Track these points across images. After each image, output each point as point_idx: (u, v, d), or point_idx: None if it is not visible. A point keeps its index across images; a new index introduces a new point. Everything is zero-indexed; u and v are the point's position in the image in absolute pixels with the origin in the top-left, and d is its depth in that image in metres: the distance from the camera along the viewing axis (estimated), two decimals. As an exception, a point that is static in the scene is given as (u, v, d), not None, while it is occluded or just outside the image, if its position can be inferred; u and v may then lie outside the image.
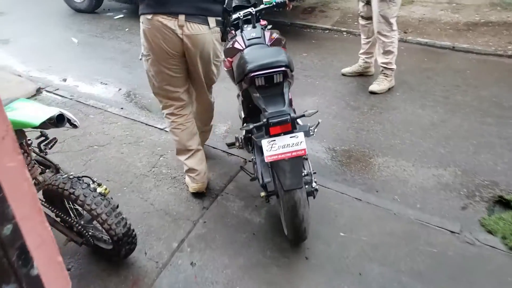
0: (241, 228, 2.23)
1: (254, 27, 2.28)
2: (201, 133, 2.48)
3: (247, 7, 2.31)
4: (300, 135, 1.66)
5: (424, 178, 2.64)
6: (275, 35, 2.29)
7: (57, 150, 2.84)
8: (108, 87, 4.09)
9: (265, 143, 1.65)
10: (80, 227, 1.81)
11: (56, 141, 1.84)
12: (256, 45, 2.14)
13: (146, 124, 3.25)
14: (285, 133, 1.67)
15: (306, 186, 1.78)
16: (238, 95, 2.26)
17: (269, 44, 2.19)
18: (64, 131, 2.77)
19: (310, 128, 1.75)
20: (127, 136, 3.11)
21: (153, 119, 3.35)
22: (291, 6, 2.41)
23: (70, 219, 1.80)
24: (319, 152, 2.93)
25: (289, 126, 1.66)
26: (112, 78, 4.23)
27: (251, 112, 2.10)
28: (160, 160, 2.82)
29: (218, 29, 1.96)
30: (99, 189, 1.72)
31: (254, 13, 2.28)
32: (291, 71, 1.84)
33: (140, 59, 2.12)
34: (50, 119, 1.49)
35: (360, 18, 3.83)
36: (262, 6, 2.34)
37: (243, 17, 2.25)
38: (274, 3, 2.36)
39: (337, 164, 2.81)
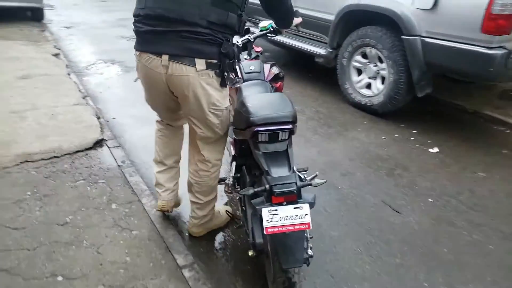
0: None
1: (249, 54, 2.35)
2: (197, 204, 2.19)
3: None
4: (305, 207, 1.54)
5: None
6: (275, 69, 2.36)
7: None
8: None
9: (265, 212, 1.52)
10: None
11: None
12: (256, 84, 2.14)
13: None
14: (289, 203, 1.54)
15: None
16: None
17: (267, 80, 2.24)
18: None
19: (314, 181, 1.64)
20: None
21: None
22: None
23: None
24: None
25: (294, 197, 1.55)
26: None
27: (242, 152, 2.02)
28: None
29: (210, 72, 1.74)
30: None
31: (252, 40, 2.34)
32: (296, 123, 1.72)
33: (135, 81, 2.06)
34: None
35: None
36: (258, 33, 2.40)
37: (241, 44, 2.27)
38: (272, 28, 2.38)
39: None
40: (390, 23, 3.58)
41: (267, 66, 2.30)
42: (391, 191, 2.83)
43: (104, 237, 2.20)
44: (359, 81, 4.10)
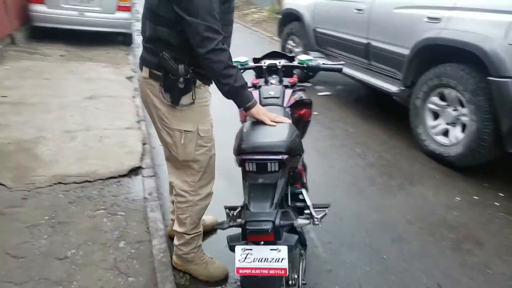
0: None
1: (280, 81, 2.19)
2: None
3: (288, 58, 2.30)
4: (283, 249, 1.40)
5: None
6: (298, 95, 2.14)
7: None
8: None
9: (238, 250, 1.41)
10: None
11: None
12: (271, 110, 1.87)
13: None
14: (266, 243, 1.40)
15: None
16: None
17: (287, 106, 2.05)
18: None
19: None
20: None
21: None
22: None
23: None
24: None
25: (271, 236, 1.38)
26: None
27: None
28: None
29: (153, 83, 1.74)
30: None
31: (280, 67, 2.19)
32: (295, 155, 1.64)
33: None
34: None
35: None
36: (289, 63, 2.24)
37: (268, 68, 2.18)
38: (306, 65, 2.21)
39: None
40: (474, 61, 3.00)
41: (288, 92, 2.15)
42: (453, 272, 2.24)
43: (97, 280, 2.03)
44: (435, 126, 3.51)
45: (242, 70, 2.38)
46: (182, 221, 2.00)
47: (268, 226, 1.37)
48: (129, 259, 2.21)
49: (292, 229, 1.81)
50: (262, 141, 1.59)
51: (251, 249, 1.40)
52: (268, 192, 1.52)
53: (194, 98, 1.72)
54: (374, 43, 4.17)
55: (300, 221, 1.44)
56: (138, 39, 8.59)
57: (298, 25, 5.53)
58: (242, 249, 1.41)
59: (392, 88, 3.95)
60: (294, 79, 2.32)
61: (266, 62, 2.22)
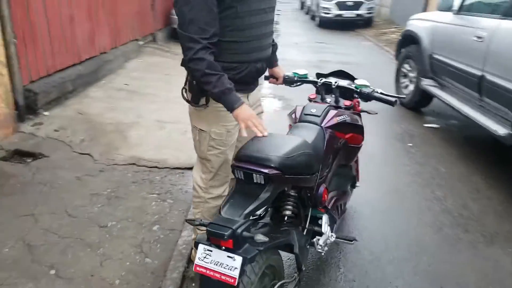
0: None
1: (336, 102, 2.28)
2: None
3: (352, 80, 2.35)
4: (238, 260, 1.40)
5: None
6: (343, 118, 2.15)
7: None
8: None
9: (201, 248, 1.46)
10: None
11: None
12: (305, 127, 2.05)
13: None
14: (227, 249, 1.42)
15: None
16: None
17: (324, 126, 2.06)
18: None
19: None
20: None
21: None
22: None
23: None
24: None
25: (230, 243, 1.41)
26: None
27: None
28: None
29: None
30: None
31: (334, 86, 2.27)
32: (297, 174, 1.67)
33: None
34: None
35: None
36: (347, 85, 2.28)
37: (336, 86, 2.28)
38: (359, 90, 2.26)
39: None
40: None
41: (332, 113, 2.14)
42: None
43: (119, 252, 2.28)
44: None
45: (299, 83, 2.40)
46: (195, 216, 2.11)
47: (226, 232, 1.39)
48: (155, 242, 2.41)
49: (290, 249, 1.77)
50: (256, 152, 1.61)
51: (211, 251, 1.45)
52: (245, 202, 1.53)
53: (207, 101, 1.82)
54: (489, 77, 3.64)
55: (259, 237, 1.41)
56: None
57: (415, 49, 5.17)
58: (204, 248, 1.47)
59: (500, 130, 3.39)
60: (351, 102, 2.31)
61: (321, 80, 2.30)
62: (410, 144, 4.27)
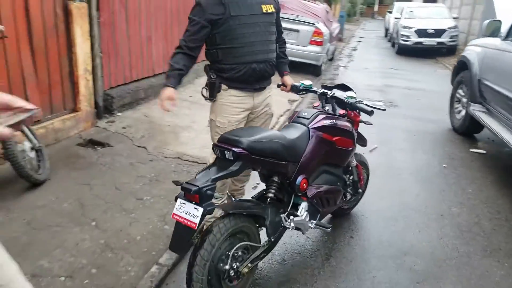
0: None
1: (333, 110, 2.65)
2: None
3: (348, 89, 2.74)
4: (200, 210, 1.81)
5: None
6: (331, 122, 2.50)
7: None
8: None
9: (178, 201, 1.89)
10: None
11: None
12: (292, 126, 2.42)
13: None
14: (195, 203, 1.84)
15: None
16: None
17: (310, 127, 2.40)
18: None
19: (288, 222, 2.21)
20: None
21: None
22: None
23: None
24: None
25: (196, 198, 1.82)
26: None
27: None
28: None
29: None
30: None
31: (328, 96, 2.64)
32: (262, 157, 2.05)
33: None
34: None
35: None
36: (339, 96, 2.63)
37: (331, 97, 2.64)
38: (346, 101, 2.61)
39: None
40: None
41: (320, 117, 2.48)
42: None
43: (146, 219, 2.87)
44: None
45: (304, 92, 2.81)
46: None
47: (192, 188, 1.81)
48: (176, 216, 2.98)
49: (263, 222, 2.18)
50: (231, 136, 2.04)
51: (184, 204, 1.87)
52: (216, 172, 1.96)
53: (214, 95, 2.43)
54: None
55: (217, 195, 1.84)
56: (332, 72, 9.48)
57: (468, 74, 5.20)
58: (180, 201, 1.89)
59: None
60: (343, 111, 2.67)
61: (319, 91, 2.69)
62: (445, 165, 4.34)
